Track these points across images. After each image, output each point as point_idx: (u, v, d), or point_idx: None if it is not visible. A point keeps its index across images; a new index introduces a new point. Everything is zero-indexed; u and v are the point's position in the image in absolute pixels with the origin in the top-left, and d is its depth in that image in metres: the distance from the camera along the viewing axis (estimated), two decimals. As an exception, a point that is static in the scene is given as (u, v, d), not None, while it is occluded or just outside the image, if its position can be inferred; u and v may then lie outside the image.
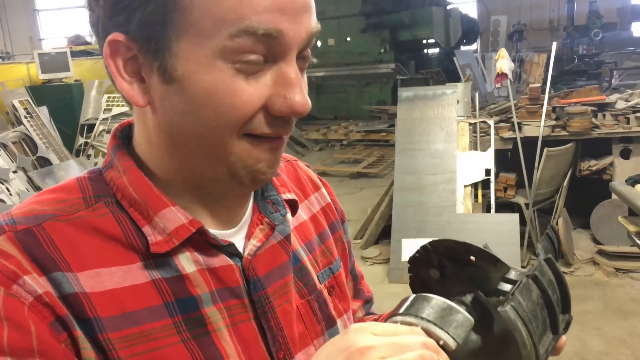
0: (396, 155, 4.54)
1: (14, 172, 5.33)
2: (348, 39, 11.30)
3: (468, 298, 0.57)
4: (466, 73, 6.69)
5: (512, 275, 0.60)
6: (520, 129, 4.41)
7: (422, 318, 0.51)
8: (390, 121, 9.05)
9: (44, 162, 5.92)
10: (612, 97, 4.66)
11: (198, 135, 0.57)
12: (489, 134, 4.42)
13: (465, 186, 4.23)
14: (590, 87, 5.08)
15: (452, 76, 7.91)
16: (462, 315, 0.51)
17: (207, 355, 0.59)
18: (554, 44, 4.73)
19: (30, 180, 5.41)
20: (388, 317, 0.54)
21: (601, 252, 4.11)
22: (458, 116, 4.50)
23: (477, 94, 4.84)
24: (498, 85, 4.66)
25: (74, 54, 8.03)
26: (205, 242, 0.62)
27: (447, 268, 0.63)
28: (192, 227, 0.60)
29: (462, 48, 11.46)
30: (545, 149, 4.10)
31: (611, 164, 4.33)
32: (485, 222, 4.05)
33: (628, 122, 4.29)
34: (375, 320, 0.87)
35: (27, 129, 6.11)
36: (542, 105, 4.40)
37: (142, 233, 0.60)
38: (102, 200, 0.61)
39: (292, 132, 0.63)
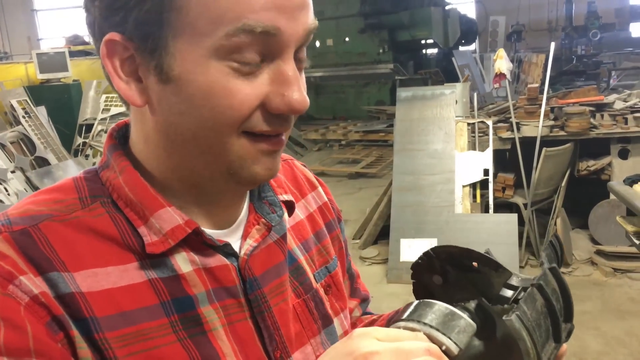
0: (395, 155, 4.54)
1: (12, 172, 5.32)
2: (347, 39, 11.31)
3: (472, 304, 0.57)
4: (465, 73, 6.68)
5: (513, 281, 0.61)
6: (518, 129, 4.42)
7: (425, 324, 0.51)
8: (388, 121, 9.06)
9: (42, 162, 5.91)
10: (611, 98, 4.67)
11: (196, 135, 0.57)
12: (487, 134, 4.42)
13: (463, 186, 4.23)
14: (588, 88, 5.09)
15: (451, 76, 7.91)
16: (465, 320, 0.52)
17: (204, 354, 0.59)
18: (552, 45, 4.74)
19: (28, 180, 5.40)
20: (390, 322, 0.54)
21: (599, 252, 4.11)
22: (456, 116, 4.50)
23: (475, 94, 4.85)
24: (496, 85, 4.65)
25: (72, 54, 8.00)
26: (201, 242, 0.62)
27: (449, 274, 0.64)
28: (188, 228, 0.60)
29: (461, 48, 11.46)
30: (544, 149, 4.10)
31: (609, 164, 4.34)
32: (484, 222, 4.05)
33: (626, 123, 4.30)
34: (374, 321, 0.87)
35: (25, 129, 6.09)
36: (540, 105, 4.41)
37: (138, 233, 0.60)
38: (98, 200, 0.61)
39: (291, 132, 0.63)
